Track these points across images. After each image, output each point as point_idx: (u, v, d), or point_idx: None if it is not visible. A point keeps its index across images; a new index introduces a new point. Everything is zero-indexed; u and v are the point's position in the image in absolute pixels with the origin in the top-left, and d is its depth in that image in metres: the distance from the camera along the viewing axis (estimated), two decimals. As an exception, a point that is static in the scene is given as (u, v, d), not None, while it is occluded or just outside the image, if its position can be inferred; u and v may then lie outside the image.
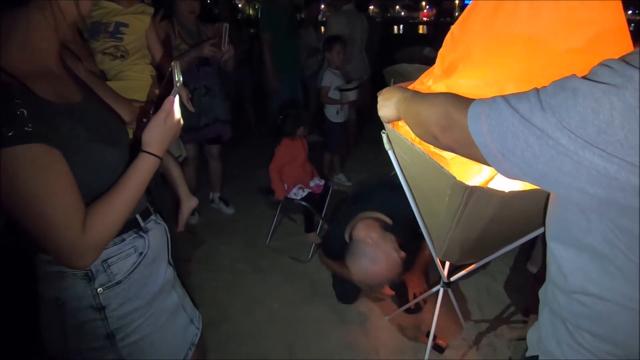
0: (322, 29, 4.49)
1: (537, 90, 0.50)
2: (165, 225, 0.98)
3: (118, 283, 0.81)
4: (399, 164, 1.11)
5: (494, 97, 0.55)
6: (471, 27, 0.85)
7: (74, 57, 0.88)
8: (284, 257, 2.39)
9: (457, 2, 19.79)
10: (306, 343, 1.79)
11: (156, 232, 0.91)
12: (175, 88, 0.80)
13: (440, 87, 0.91)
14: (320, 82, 2.99)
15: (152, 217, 0.93)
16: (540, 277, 0.69)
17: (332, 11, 4.14)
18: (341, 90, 2.82)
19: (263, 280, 2.20)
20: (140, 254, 0.86)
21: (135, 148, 0.79)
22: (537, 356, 0.71)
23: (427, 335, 1.63)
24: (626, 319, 0.52)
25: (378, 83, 1.18)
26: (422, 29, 25.04)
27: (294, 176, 2.30)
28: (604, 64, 0.46)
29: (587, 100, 0.43)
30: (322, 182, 2.45)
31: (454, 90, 0.84)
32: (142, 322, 0.86)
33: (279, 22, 3.13)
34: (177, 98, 0.81)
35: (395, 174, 1.15)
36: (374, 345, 1.77)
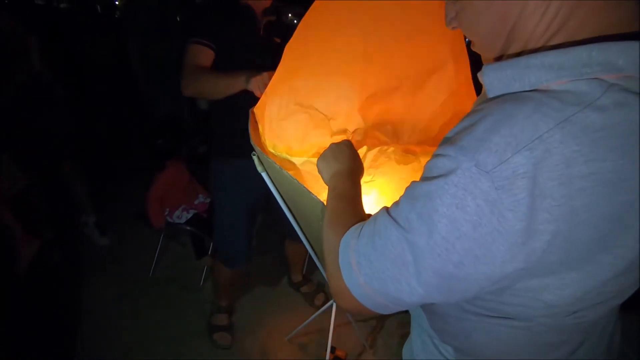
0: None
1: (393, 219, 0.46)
2: None
3: None
4: (273, 184, 1.06)
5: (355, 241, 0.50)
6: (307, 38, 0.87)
7: None
8: (172, 288, 2.14)
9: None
10: (200, 383, 1.62)
11: None
12: None
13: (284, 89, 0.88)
14: None
15: None
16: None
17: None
18: None
19: (146, 319, 1.91)
20: None
21: None
22: (412, 370, 0.72)
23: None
24: (481, 332, 0.54)
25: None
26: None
27: (176, 199, 2.07)
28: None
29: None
30: (208, 200, 2.25)
31: (295, 90, 0.83)
32: None
33: (147, 22, 2.82)
34: None
35: None
36: (275, 370, 1.70)
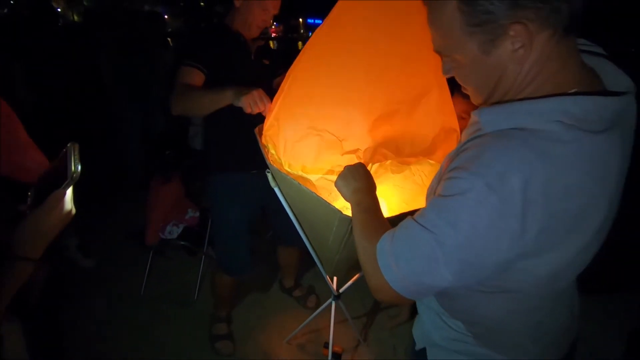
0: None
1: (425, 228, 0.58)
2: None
3: None
4: (285, 198, 1.17)
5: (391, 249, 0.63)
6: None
7: None
8: (166, 304, 2.15)
9: (300, 20, 21.54)
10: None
11: (11, 337, 0.72)
12: (69, 180, 0.66)
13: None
14: None
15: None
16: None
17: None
18: None
19: (144, 338, 1.93)
20: None
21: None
22: (425, 348, 0.85)
23: (325, 346, 1.74)
24: (486, 305, 0.69)
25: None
26: (272, 44, 26.31)
27: (171, 214, 2.10)
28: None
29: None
30: (197, 214, 2.28)
31: (309, 115, 0.97)
32: None
33: (112, 36, 2.82)
34: (70, 191, 0.68)
35: None
36: (277, 372, 1.78)
